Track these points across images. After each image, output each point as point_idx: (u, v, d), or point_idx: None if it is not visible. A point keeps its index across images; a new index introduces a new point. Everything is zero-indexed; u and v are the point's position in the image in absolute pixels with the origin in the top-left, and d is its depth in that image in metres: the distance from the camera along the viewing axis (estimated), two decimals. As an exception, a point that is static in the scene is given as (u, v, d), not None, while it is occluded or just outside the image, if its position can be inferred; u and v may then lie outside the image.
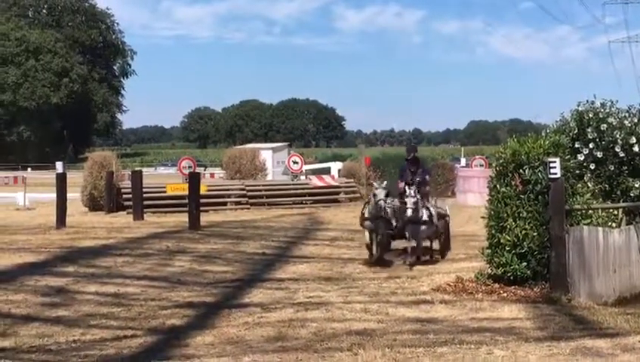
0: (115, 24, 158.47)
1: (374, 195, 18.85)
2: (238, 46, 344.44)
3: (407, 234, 19.04)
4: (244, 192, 38.07)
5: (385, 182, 19.39)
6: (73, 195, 34.17)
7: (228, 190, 38.58)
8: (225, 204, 37.38)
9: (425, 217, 18.84)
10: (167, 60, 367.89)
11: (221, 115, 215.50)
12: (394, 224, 19.29)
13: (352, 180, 42.19)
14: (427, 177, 20.48)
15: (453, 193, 42.86)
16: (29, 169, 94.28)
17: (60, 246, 23.06)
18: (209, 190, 35.44)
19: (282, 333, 11.85)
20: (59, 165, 30.53)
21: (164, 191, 35.52)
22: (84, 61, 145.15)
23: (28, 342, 11.49)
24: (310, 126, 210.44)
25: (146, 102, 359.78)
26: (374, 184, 19.34)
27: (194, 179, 29.05)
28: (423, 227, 18.89)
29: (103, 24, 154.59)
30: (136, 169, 41.58)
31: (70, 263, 19.37)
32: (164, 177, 57.71)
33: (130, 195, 33.21)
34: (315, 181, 40.99)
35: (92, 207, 36.56)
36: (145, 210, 32.53)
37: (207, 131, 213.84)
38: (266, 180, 43.65)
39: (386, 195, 18.77)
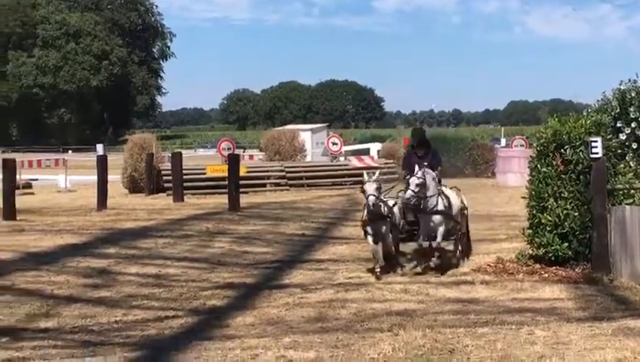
0: (154, 6, 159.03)
1: (363, 191, 15.22)
2: (277, 27, 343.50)
3: (421, 232, 15.46)
4: (284, 174, 38.10)
5: (377, 174, 15.43)
6: (114, 177, 34.43)
7: (267, 171, 38.63)
8: (264, 185, 37.43)
9: (440, 207, 15.17)
10: (206, 42, 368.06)
11: (260, 96, 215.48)
12: (400, 224, 15.74)
13: (392, 161, 42.05)
14: (437, 161, 16.43)
15: (493, 174, 42.71)
16: (70, 151, 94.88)
17: (101, 227, 23.24)
18: (248, 171, 35.52)
19: (322, 314, 11.88)
20: (99, 147, 30.73)
21: (204, 173, 35.66)
22: (124, 44, 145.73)
23: (71, 323, 11.62)
24: (349, 107, 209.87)
25: (185, 84, 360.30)
26: (364, 176, 15.35)
27: (233, 161, 29.11)
28: (438, 217, 15.18)
29: (142, 6, 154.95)
30: (176, 151, 41.75)
31: (111, 245, 19.52)
32: (204, 159, 57.87)
33: (170, 177, 33.37)
34: (355, 162, 40.95)
35: (132, 189, 36.78)
36: (185, 191, 32.67)
37: (246, 113, 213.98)
38: (306, 161, 43.64)
39: (377, 189, 14.90)
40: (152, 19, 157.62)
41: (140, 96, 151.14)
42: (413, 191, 14.86)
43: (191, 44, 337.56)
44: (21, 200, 28.64)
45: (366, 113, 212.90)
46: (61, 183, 41.99)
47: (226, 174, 29.38)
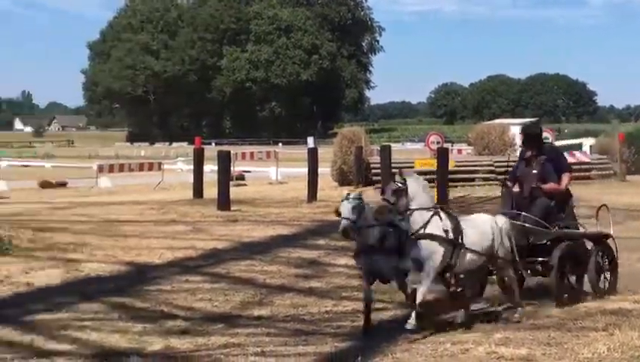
0: (364, 1, 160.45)
1: (338, 213, 11.31)
2: (484, 20, 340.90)
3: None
4: (493, 168, 37.64)
5: (357, 192, 12.19)
6: (323, 170, 34.83)
7: (476, 166, 38.26)
8: (473, 179, 37.09)
9: (435, 229, 10.66)
10: (413, 36, 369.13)
11: (468, 90, 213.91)
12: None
13: (606, 157, 40.83)
14: (552, 169, 12.75)
15: None
16: (280, 144, 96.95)
17: (311, 219, 23.53)
18: (457, 166, 35.27)
19: (534, 311, 11.68)
20: (310, 140, 31.28)
21: (412, 167, 35.58)
22: (333, 38, 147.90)
23: (283, 312, 11.90)
24: (559, 101, 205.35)
25: (393, 78, 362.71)
26: (344, 193, 11.59)
27: (442, 155, 28.99)
28: (427, 243, 10.65)
29: (352, 1, 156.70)
30: (385, 144, 41.88)
31: (321, 236, 19.73)
32: (411, 152, 57.91)
33: (379, 170, 33.48)
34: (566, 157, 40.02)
35: (341, 182, 37.05)
36: (393, 184, 32.67)
37: (454, 107, 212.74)
38: (515, 156, 42.92)
39: (355, 210, 10.97)
40: (362, 13, 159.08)
41: (349, 89, 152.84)
42: (387, 200, 10.71)
43: (398, 37, 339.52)
44: (235, 192, 29.39)
45: (577, 107, 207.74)
46: (272, 175, 42.99)
47: (434, 168, 29.28)
